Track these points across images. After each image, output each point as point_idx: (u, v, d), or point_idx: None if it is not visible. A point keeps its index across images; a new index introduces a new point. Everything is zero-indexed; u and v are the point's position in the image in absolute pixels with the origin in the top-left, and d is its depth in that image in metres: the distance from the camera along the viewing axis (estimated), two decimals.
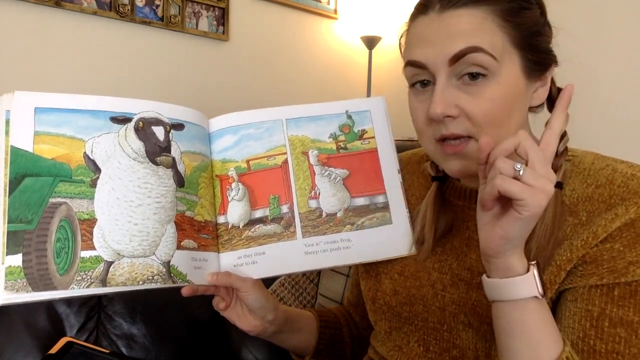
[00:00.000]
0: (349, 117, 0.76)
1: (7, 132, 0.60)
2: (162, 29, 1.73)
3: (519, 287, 0.54)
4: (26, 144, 0.60)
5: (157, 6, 1.71)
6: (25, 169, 0.60)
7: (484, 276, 0.57)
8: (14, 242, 0.58)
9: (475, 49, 0.59)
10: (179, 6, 1.76)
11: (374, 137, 0.76)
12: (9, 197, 0.58)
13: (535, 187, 0.50)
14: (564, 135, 0.66)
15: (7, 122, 0.60)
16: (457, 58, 0.60)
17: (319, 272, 1.27)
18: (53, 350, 0.83)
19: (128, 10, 1.63)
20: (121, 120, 0.65)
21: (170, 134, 0.68)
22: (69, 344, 0.84)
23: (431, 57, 0.62)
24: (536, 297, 0.54)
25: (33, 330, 1.12)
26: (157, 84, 1.74)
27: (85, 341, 1.04)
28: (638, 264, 0.56)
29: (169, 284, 0.64)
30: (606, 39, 1.47)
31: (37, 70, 1.50)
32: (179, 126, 0.69)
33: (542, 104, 0.69)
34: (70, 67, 1.55)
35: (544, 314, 0.54)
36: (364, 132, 0.76)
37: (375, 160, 0.75)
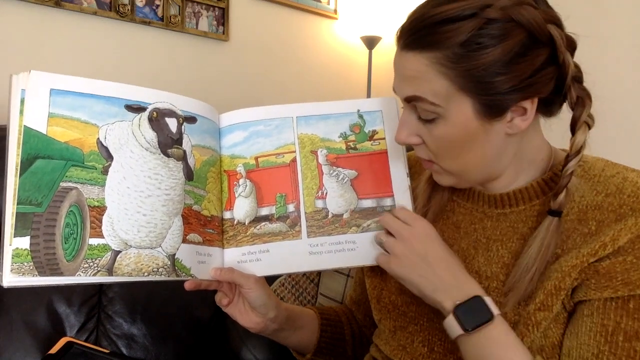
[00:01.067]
0: (360, 116, 0.75)
1: (21, 112, 0.59)
2: (162, 29, 1.73)
3: (449, 328, 0.61)
4: (40, 125, 0.59)
5: (157, 6, 1.71)
6: (38, 151, 0.59)
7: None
8: (23, 224, 0.57)
9: (417, 98, 0.61)
10: (179, 6, 1.76)
11: (384, 139, 0.75)
12: (20, 177, 0.57)
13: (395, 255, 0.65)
14: (576, 154, 0.61)
15: (22, 101, 0.59)
16: (407, 101, 0.63)
17: (319, 272, 1.27)
18: (53, 350, 0.83)
19: (128, 10, 1.63)
20: (136, 109, 0.65)
21: (182, 126, 0.67)
22: (69, 344, 0.84)
23: (396, 90, 0.66)
24: (463, 335, 0.59)
25: (33, 330, 1.12)
26: (157, 84, 1.73)
27: (85, 341, 1.04)
28: None
29: (173, 277, 0.64)
30: (606, 39, 1.47)
31: (37, 70, 1.50)
32: (191, 119, 0.69)
33: (555, 110, 0.66)
34: (70, 67, 1.55)
35: (481, 348, 0.59)
36: (374, 132, 0.75)
37: (384, 162, 0.74)
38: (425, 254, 0.63)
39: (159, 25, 1.71)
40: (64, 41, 1.54)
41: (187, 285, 0.66)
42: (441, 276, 0.62)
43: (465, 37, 0.56)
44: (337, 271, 1.22)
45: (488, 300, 0.60)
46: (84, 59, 1.58)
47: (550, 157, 0.68)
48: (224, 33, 1.87)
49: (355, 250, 0.71)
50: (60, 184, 0.59)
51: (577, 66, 0.61)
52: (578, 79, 0.62)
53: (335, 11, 2.23)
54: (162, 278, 0.63)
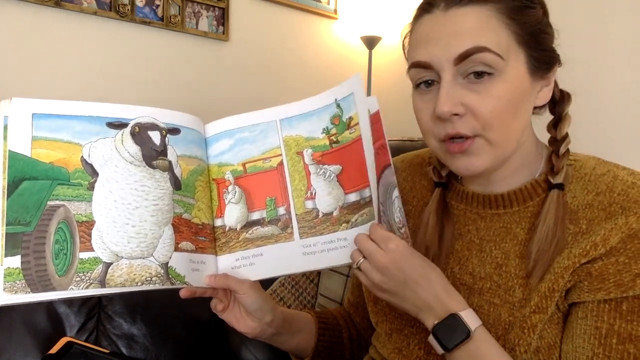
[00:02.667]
0: (338, 105, 0.74)
1: (5, 137, 0.61)
2: (162, 29, 1.73)
3: (434, 346, 0.61)
4: (24, 149, 0.61)
5: (157, 6, 1.71)
6: (23, 173, 0.61)
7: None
8: (12, 244, 0.58)
9: (482, 49, 0.59)
10: (179, 6, 1.76)
11: (358, 124, 0.72)
12: (7, 200, 0.59)
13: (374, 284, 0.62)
14: (565, 137, 0.66)
15: (6, 127, 0.61)
16: (463, 57, 0.60)
17: (319, 272, 1.27)
18: (53, 350, 0.83)
19: (128, 10, 1.63)
20: (117, 125, 0.66)
21: (166, 138, 0.69)
22: (69, 344, 0.84)
23: (436, 57, 0.61)
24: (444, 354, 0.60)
25: (33, 330, 1.12)
26: (157, 84, 1.73)
27: (85, 341, 1.04)
28: None
29: (167, 285, 0.64)
30: (607, 39, 1.47)
31: (37, 70, 1.50)
32: (174, 130, 0.70)
33: (545, 105, 0.69)
34: (70, 67, 1.55)
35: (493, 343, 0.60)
36: (350, 119, 0.73)
37: (360, 150, 0.71)
38: (404, 279, 0.60)
39: (159, 25, 1.71)
40: (64, 41, 1.54)
41: (182, 293, 0.66)
42: (422, 297, 0.61)
43: None
44: (337, 271, 1.22)
45: (465, 316, 0.59)
46: (84, 59, 1.58)
47: (543, 152, 0.70)
48: (224, 33, 1.87)
49: (347, 247, 0.70)
50: (48, 202, 0.61)
51: None
52: None
53: (335, 11, 2.23)
54: (157, 287, 0.64)
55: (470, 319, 0.59)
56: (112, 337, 1.19)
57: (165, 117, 0.69)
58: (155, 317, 1.22)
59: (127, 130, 0.67)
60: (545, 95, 0.65)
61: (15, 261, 0.58)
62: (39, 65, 1.50)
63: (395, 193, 0.75)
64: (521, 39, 0.61)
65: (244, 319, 0.73)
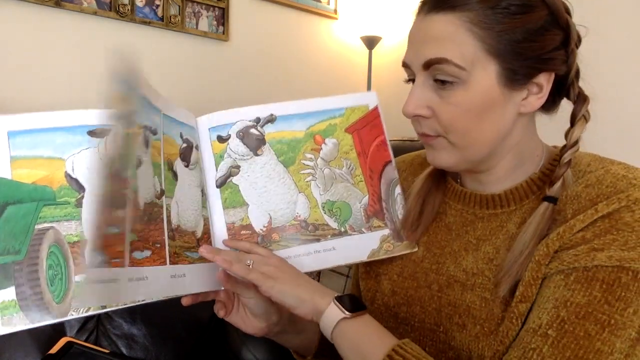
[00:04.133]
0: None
1: None
2: (162, 29, 1.73)
3: (329, 318, 0.63)
4: (3, 171, 0.57)
5: (157, 6, 1.71)
6: (6, 197, 0.57)
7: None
8: (5, 276, 0.55)
9: (442, 60, 0.60)
10: (179, 6, 1.76)
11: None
12: None
13: (264, 274, 0.65)
14: (573, 145, 0.64)
15: None
16: (427, 65, 0.62)
17: (319, 273, 1.27)
18: (53, 350, 0.83)
19: (128, 10, 1.63)
20: (99, 133, 0.61)
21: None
22: (69, 344, 0.84)
23: (410, 59, 0.65)
24: (345, 317, 0.62)
25: (33, 330, 1.11)
26: (157, 84, 1.73)
27: (85, 341, 1.04)
28: (601, 250, 0.56)
29: (168, 295, 0.62)
30: (607, 39, 1.47)
31: (37, 70, 1.50)
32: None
33: (555, 107, 0.68)
34: (70, 67, 1.55)
35: (361, 327, 0.63)
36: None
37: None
38: (290, 270, 0.68)
39: (159, 25, 1.71)
40: (64, 41, 1.54)
41: (184, 301, 0.66)
42: (313, 282, 0.67)
43: (499, 0, 0.59)
44: (337, 272, 1.22)
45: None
46: (84, 59, 1.58)
47: (543, 154, 0.69)
48: (224, 33, 1.87)
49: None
50: (35, 226, 0.57)
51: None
52: (578, 74, 0.66)
53: (335, 11, 2.23)
54: (159, 298, 0.61)
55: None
56: (112, 337, 1.19)
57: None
58: (155, 317, 1.22)
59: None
60: (532, 103, 0.63)
61: (10, 293, 0.55)
62: (38, 65, 1.50)
63: (398, 190, 0.76)
64: (492, 50, 0.59)
65: (250, 320, 0.73)
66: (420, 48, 0.63)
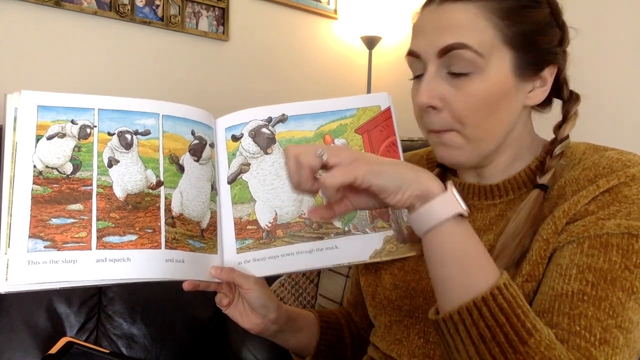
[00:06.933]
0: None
1: (14, 129, 0.63)
2: (162, 29, 1.73)
3: (441, 207, 0.52)
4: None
5: (157, 6, 1.71)
6: None
7: (408, 214, 0.54)
8: None
9: (462, 46, 0.60)
10: (179, 6, 1.76)
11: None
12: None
13: (343, 161, 0.52)
14: (564, 139, 0.66)
15: (15, 119, 0.64)
16: (445, 51, 0.62)
17: (318, 273, 1.27)
18: (53, 350, 0.83)
19: (128, 10, 1.63)
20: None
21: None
22: (69, 344, 0.84)
23: (423, 48, 0.64)
24: (461, 214, 0.52)
25: (33, 330, 1.12)
26: (157, 84, 1.73)
27: (85, 341, 1.04)
28: (608, 219, 0.57)
29: (168, 277, 0.66)
30: (607, 39, 1.47)
31: (37, 70, 1.50)
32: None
33: (549, 104, 0.70)
34: (70, 67, 1.55)
35: (472, 237, 0.53)
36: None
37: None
38: (378, 158, 0.55)
39: (158, 25, 1.71)
40: (64, 41, 1.54)
41: (185, 286, 0.66)
42: (408, 167, 0.55)
43: None
44: (336, 272, 1.22)
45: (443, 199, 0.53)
46: (84, 59, 1.58)
47: (539, 147, 0.71)
48: (224, 33, 1.87)
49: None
50: None
51: None
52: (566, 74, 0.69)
53: (335, 11, 2.23)
54: (150, 278, 0.65)
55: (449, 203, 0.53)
56: (112, 337, 1.19)
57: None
58: (155, 317, 1.22)
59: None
60: (538, 95, 0.65)
61: None
62: (38, 65, 1.50)
63: None
64: (509, 39, 0.61)
65: (248, 315, 0.73)
66: (436, 35, 0.62)
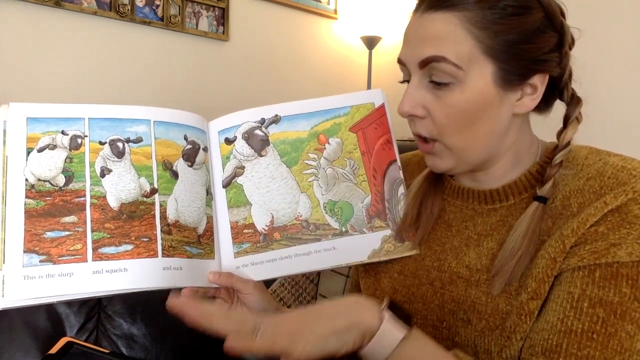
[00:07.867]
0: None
1: (4, 142, 0.62)
2: (162, 29, 1.73)
3: (387, 335, 0.54)
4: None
5: (157, 6, 1.71)
6: None
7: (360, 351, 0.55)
8: None
9: (439, 59, 0.60)
10: (179, 6, 1.76)
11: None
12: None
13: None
14: (565, 146, 0.65)
15: (4, 132, 0.63)
16: (424, 63, 0.62)
17: (319, 273, 1.28)
18: (53, 350, 0.82)
19: (128, 10, 1.63)
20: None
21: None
22: (69, 344, 0.84)
23: (407, 58, 0.64)
24: (404, 338, 0.54)
25: (33, 330, 1.12)
26: (157, 84, 1.74)
27: (85, 341, 1.04)
28: (619, 245, 0.57)
29: (167, 285, 0.65)
30: (608, 39, 1.47)
31: (37, 70, 1.50)
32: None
33: (549, 107, 0.69)
34: (70, 67, 1.55)
35: (428, 346, 0.56)
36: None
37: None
38: (299, 320, 0.56)
39: (158, 25, 1.71)
40: (64, 41, 1.54)
41: (184, 293, 0.66)
42: (339, 316, 0.56)
43: (498, 1, 0.59)
44: (337, 272, 1.22)
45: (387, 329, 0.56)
46: (84, 59, 1.58)
47: (539, 150, 0.70)
48: (224, 33, 1.87)
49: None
50: None
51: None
52: (571, 76, 0.66)
53: (335, 11, 2.23)
54: (149, 288, 0.64)
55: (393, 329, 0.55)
56: (112, 337, 1.19)
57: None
58: (155, 317, 1.22)
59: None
60: (526, 104, 0.64)
61: None
62: (39, 65, 1.50)
63: (401, 190, 0.76)
64: (489, 50, 0.60)
65: None
66: (417, 46, 0.63)
